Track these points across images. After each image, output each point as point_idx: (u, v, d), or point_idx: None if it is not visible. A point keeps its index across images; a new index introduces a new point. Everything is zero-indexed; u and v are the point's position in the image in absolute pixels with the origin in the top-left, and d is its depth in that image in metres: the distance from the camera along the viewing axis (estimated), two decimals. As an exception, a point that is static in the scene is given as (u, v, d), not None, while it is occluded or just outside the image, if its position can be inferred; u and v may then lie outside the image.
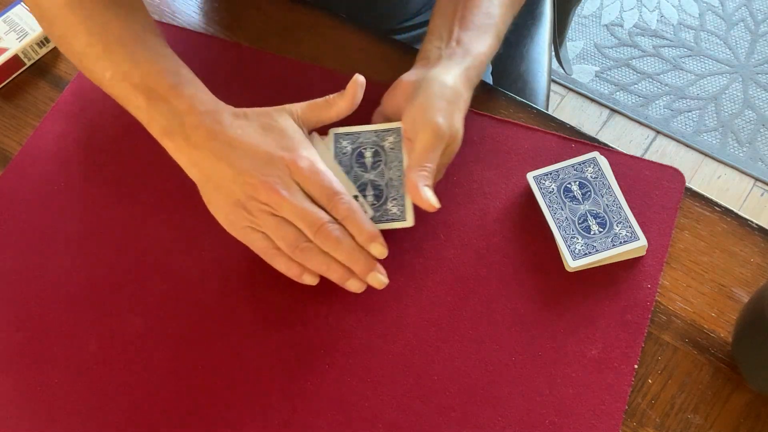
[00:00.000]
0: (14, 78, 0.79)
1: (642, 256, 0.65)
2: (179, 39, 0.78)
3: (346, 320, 0.64)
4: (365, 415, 0.60)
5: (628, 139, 1.70)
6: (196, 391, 0.61)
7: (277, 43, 0.79)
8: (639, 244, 0.63)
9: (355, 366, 0.62)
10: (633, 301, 0.63)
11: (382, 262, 0.61)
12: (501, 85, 0.74)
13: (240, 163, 0.59)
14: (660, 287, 0.64)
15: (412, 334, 0.63)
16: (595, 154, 0.68)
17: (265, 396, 0.61)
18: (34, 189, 0.71)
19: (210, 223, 0.62)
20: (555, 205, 0.66)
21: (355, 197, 0.62)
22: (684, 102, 1.74)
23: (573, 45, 1.83)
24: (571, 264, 0.63)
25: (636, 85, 1.76)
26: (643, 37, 1.83)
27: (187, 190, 0.63)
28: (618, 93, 1.76)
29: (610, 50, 1.82)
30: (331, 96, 0.63)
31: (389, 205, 0.63)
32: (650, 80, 1.77)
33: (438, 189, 0.62)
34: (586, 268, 0.64)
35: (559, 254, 0.65)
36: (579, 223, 0.65)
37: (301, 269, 0.60)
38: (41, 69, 0.79)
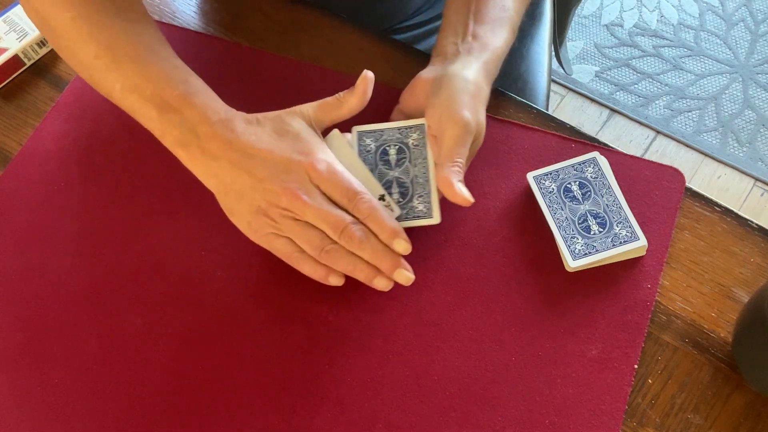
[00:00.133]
0: (14, 78, 0.79)
1: (642, 256, 0.65)
2: (179, 39, 0.78)
3: (346, 320, 0.64)
4: (365, 415, 0.60)
5: (628, 139, 1.70)
6: (196, 390, 0.61)
7: (277, 43, 0.79)
8: (639, 244, 0.63)
9: (355, 366, 0.62)
10: (633, 301, 0.63)
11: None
12: (501, 85, 0.74)
13: (259, 171, 0.59)
14: (660, 287, 0.64)
15: (412, 334, 0.63)
16: (595, 154, 0.68)
17: (265, 396, 0.61)
18: (34, 189, 0.71)
19: (210, 223, 0.62)
20: (555, 205, 0.66)
21: (382, 196, 0.62)
22: (684, 102, 1.74)
23: (573, 45, 1.83)
24: (571, 264, 0.63)
25: (636, 85, 1.76)
26: (643, 37, 1.83)
27: (187, 190, 0.63)
28: (618, 93, 1.76)
29: (610, 50, 1.82)
30: (342, 93, 0.63)
31: (415, 202, 0.63)
32: (650, 80, 1.77)
33: (438, 189, 0.62)
34: (586, 268, 0.64)
35: (559, 254, 0.65)
36: (579, 223, 0.65)
37: (327, 271, 0.60)
38: (41, 69, 0.79)
